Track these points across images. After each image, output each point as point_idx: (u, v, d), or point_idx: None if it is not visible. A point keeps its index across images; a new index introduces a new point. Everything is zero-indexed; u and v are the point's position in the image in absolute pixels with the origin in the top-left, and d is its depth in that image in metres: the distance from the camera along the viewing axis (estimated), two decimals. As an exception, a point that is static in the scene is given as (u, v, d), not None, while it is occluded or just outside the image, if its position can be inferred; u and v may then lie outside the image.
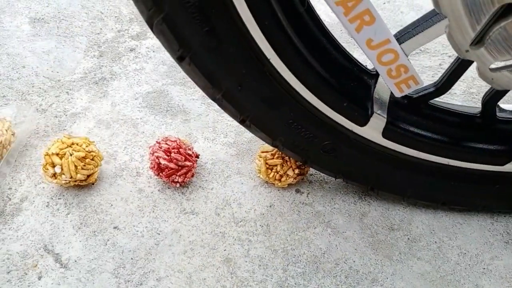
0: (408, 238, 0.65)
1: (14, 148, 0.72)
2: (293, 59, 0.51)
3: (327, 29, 0.53)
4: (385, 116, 0.57)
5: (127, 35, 0.95)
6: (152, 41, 0.94)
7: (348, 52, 0.56)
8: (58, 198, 0.69)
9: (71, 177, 0.65)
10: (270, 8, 0.46)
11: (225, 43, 0.48)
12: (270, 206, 0.68)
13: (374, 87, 0.57)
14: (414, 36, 0.49)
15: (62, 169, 0.65)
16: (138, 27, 0.97)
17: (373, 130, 0.58)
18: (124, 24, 0.98)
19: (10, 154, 0.71)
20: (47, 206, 0.68)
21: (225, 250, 0.63)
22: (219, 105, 0.57)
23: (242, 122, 0.59)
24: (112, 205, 0.68)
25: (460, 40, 0.42)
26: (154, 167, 0.67)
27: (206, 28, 0.46)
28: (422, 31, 0.48)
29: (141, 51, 0.92)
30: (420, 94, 0.57)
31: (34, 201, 0.68)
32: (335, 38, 0.54)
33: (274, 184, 0.69)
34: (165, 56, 0.90)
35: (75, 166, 0.65)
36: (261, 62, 0.50)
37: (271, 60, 0.50)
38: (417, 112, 0.59)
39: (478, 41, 0.41)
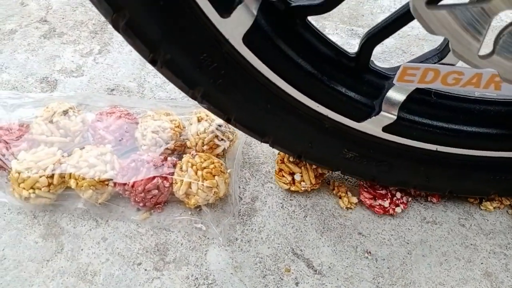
0: None
1: (237, 145, 0.70)
2: (454, 138, 0.56)
3: (450, 93, 0.54)
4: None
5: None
6: (329, 28, 0.91)
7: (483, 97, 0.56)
8: (290, 200, 0.66)
9: (311, 184, 0.63)
10: (408, 122, 0.53)
11: (395, 167, 0.60)
12: (516, 219, 0.65)
13: None
14: None
15: (301, 177, 0.62)
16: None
17: None
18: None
19: (235, 150, 0.69)
20: (282, 207, 0.65)
21: (482, 263, 0.60)
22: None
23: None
24: (348, 209, 0.65)
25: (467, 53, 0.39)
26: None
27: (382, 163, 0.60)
28: None
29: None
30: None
31: (266, 201, 0.66)
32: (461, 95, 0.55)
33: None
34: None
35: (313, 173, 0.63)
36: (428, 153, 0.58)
37: (438, 149, 0.57)
38: None
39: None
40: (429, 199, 0.66)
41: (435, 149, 0.56)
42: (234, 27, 0.43)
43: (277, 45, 0.46)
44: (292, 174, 0.64)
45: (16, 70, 0.82)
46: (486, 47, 0.38)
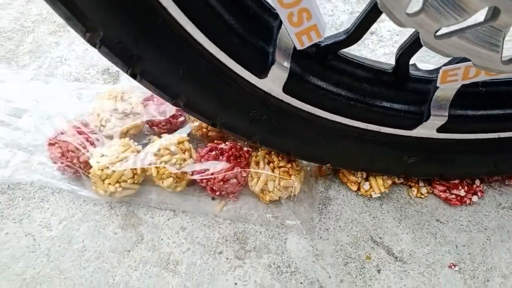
0: None
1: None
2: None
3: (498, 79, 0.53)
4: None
5: (361, 17, 0.91)
6: (392, 24, 0.90)
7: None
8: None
9: (380, 191, 0.63)
10: (462, 118, 0.53)
11: (460, 161, 0.60)
12: None
13: None
14: None
15: (370, 187, 0.62)
16: (370, 9, 0.93)
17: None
18: (353, 5, 0.94)
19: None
20: (356, 195, 0.65)
21: (562, 248, 0.60)
22: None
23: None
24: (424, 197, 0.65)
25: (490, 64, 0.38)
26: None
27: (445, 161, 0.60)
28: None
29: (383, 34, 0.88)
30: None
31: (339, 190, 0.66)
32: None
33: None
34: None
35: (382, 181, 0.63)
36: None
37: (500, 136, 0.56)
38: None
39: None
40: (506, 183, 0.66)
41: (497, 136, 0.55)
42: (273, 83, 0.48)
43: (315, 84, 0.50)
44: (360, 183, 0.64)
45: (76, 62, 0.82)
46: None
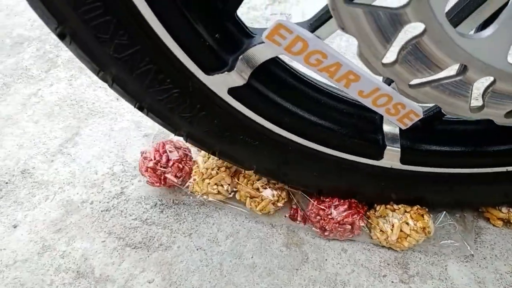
0: None
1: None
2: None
3: None
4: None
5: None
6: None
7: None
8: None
9: None
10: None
11: None
12: None
13: None
14: None
15: None
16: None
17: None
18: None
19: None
20: (506, 226, 0.68)
21: None
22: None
23: None
24: None
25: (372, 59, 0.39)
26: None
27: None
28: None
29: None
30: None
31: (488, 219, 0.69)
32: None
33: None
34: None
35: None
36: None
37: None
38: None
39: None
40: None
41: None
42: (391, 160, 0.57)
43: (429, 150, 0.57)
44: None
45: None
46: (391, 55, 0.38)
